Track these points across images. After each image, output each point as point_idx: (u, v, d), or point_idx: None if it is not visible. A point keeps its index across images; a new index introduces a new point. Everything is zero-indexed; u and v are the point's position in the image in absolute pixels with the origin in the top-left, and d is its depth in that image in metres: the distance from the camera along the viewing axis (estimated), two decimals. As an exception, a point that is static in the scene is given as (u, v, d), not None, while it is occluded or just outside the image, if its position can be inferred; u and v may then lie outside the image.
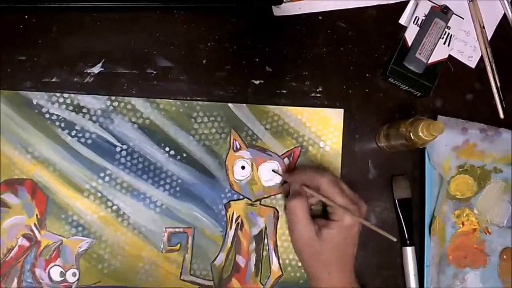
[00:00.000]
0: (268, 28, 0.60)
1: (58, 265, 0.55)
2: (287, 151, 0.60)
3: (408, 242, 0.61)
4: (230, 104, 0.59)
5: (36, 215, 0.55)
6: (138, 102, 0.57)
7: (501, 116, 0.64)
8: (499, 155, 0.63)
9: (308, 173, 0.54)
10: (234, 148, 0.59)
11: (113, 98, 0.57)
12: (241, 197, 0.59)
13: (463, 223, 0.62)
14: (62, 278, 0.55)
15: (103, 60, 0.57)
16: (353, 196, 0.53)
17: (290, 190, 0.55)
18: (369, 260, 0.61)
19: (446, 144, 0.61)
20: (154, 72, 0.58)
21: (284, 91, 0.60)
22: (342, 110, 0.61)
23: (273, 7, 0.60)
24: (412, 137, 0.55)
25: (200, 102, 0.58)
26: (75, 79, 0.57)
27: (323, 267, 0.52)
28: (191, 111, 0.58)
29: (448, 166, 0.61)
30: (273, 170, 0.59)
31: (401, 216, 0.61)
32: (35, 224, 0.55)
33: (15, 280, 0.54)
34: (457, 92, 0.64)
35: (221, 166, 0.58)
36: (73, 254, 0.55)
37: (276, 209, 0.59)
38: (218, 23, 0.59)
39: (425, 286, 0.60)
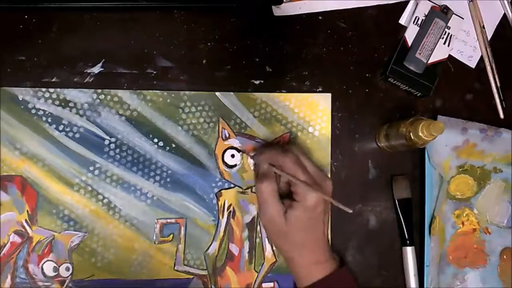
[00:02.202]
0: (268, 28, 0.60)
1: (51, 260, 0.55)
2: (276, 138, 0.60)
3: (408, 242, 0.61)
4: (217, 93, 0.59)
5: (27, 211, 0.55)
6: (125, 94, 0.57)
7: (501, 116, 0.64)
8: (499, 155, 0.63)
9: (273, 151, 0.53)
10: (223, 137, 0.59)
11: (99, 91, 0.56)
12: (232, 185, 0.59)
13: (463, 223, 0.62)
14: (55, 273, 0.55)
15: (103, 60, 0.57)
16: (317, 174, 0.52)
17: (258, 171, 0.54)
18: (369, 260, 0.61)
19: (446, 144, 0.61)
20: (154, 72, 0.58)
21: (284, 91, 0.60)
22: (329, 95, 0.61)
23: (273, 7, 0.60)
24: (412, 137, 0.55)
25: (187, 92, 0.58)
26: (75, 79, 0.57)
27: (293, 248, 0.52)
28: (178, 101, 0.58)
29: (448, 166, 0.61)
30: (233, 147, 0.58)
31: (401, 216, 0.61)
32: (26, 220, 0.55)
33: (9, 277, 0.54)
34: (457, 92, 0.64)
35: (210, 155, 0.58)
36: (66, 249, 0.55)
37: None
38: (218, 23, 0.59)
39: (425, 286, 0.60)
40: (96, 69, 0.57)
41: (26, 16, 0.56)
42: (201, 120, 0.58)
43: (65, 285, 0.55)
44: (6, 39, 0.56)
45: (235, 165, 0.59)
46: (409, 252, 0.60)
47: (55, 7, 0.56)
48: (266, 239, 0.59)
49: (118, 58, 0.57)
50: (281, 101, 0.60)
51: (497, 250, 0.62)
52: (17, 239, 0.55)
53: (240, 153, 0.59)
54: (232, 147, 0.59)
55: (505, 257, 0.62)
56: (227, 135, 0.59)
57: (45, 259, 0.55)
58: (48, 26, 0.56)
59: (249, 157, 0.59)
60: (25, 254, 0.55)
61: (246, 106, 0.59)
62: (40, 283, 0.55)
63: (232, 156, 0.59)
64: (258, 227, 0.59)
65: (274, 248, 0.59)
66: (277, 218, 0.51)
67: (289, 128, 0.60)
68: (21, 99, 0.55)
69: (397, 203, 0.61)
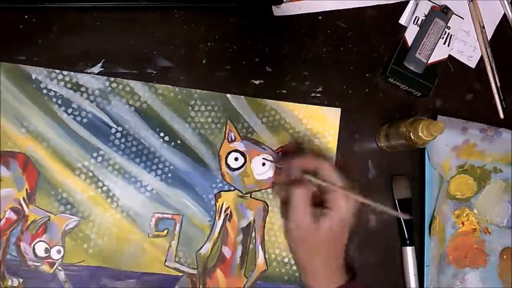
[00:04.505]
0: (268, 28, 0.60)
1: (44, 241, 0.55)
2: (281, 146, 0.60)
3: (408, 242, 0.61)
4: (228, 95, 0.59)
5: (26, 189, 0.55)
6: (136, 85, 0.57)
7: (501, 116, 0.64)
8: (499, 155, 0.63)
9: (308, 158, 0.53)
10: (229, 139, 0.59)
11: (112, 79, 0.57)
12: (232, 188, 0.59)
13: (463, 223, 0.62)
14: (46, 254, 0.55)
15: (103, 60, 0.57)
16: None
17: (288, 179, 0.53)
18: (369, 260, 0.61)
19: (446, 144, 0.61)
20: (154, 72, 0.58)
21: (284, 91, 0.60)
22: (339, 110, 0.61)
23: (273, 7, 0.60)
24: (412, 137, 0.55)
25: (198, 91, 0.58)
26: (75, 79, 0.57)
27: (316, 256, 0.51)
28: (189, 98, 0.58)
29: (448, 166, 0.61)
30: (264, 158, 0.58)
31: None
32: (24, 198, 0.55)
33: (0, 252, 0.54)
34: (457, 92, 0.64)
35: (214, 156, 0.58)
36: (60, 231, 0.55)
37: (266, 203, 0.59)
38: (218, 23, 0.59)
39: (425, 286, 0.60)
40: (96, 69, 0.57)
41: (26, 16, 0.56)
42: (209, 120, 0.58)
43: (54, 267, 0.55)
44: (6, 39, 0.56)
45: (238, 168, 0.59)
46: (409, 252, 0.60)
47: (55, 7, 0.56)
48: (260, 246, 0.59)
49: (118, 58, 0.57)
50: (290, 111, 0.60)
51: (497, 250, 0.62)
52: (13, 216, 0.55)
53: (243, 157, 0.58)
54: (236, 150, 0.59)
55: (505, 257, 0.62)
56: (233, 138, 0.59)
57: (37, 239, 0.55)
58: (48, 26, 0.56)
59: (273, 166, 0.58)
60: (19, 232, 0.55)
61: (255, 111, 0.59)
62: (30, 263, 0.55)
63: (236, 159, 0.59)
64: (253, 233, 0.59)
65: (266, 256, 0.59)
66: (307, 226, 0.49)
67: (295, 138, 0.60)
68: (34, 78, 0.55)
69: (397, 203, 0.61)
